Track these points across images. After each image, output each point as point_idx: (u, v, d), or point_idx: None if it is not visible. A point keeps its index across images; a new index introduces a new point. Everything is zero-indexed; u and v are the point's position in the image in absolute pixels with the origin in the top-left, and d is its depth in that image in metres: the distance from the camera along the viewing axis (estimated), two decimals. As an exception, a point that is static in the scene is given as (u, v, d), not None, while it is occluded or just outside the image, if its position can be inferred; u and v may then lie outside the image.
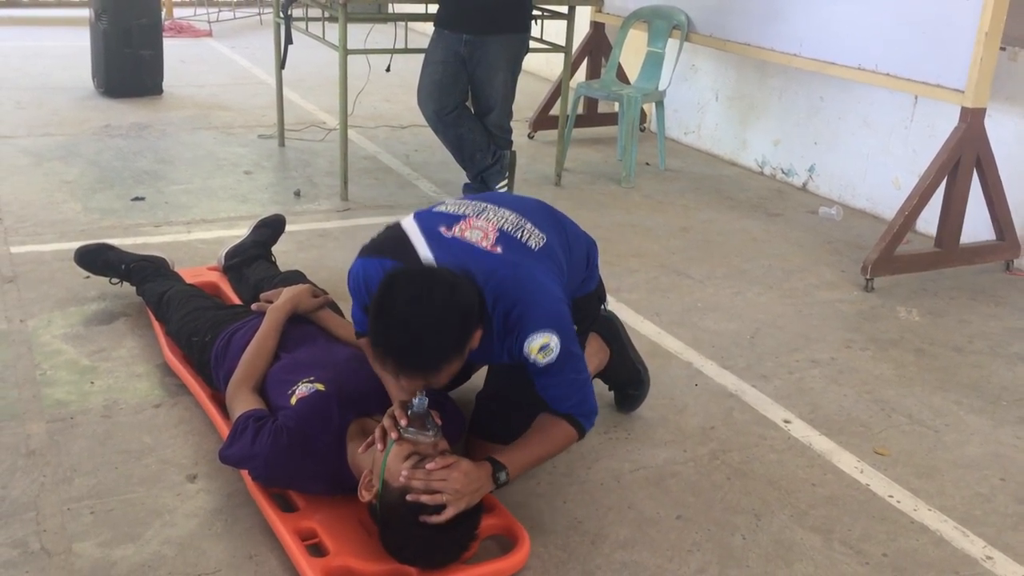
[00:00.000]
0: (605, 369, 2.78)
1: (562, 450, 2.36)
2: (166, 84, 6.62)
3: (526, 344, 2.17)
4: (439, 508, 2.00)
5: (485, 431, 2.47)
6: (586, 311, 2.57)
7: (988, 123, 3.94)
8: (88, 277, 3.41)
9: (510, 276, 2.19)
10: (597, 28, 6.05)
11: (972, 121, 3.86)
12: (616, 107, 5.49)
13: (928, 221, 4.29)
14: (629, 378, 2.81)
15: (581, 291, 2.52)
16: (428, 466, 2.02)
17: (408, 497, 2.00)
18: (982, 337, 3.53)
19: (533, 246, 2.29)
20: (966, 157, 3.92)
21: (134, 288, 3.25)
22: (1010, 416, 2.97)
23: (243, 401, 2.38)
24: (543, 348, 2.17)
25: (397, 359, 2.04)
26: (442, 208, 2.39)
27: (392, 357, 2.04)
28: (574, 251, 2.46)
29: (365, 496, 2.09)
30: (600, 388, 2.82)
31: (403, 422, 2.07)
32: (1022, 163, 4.21)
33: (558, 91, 5.50)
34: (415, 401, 2.07)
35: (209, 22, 9.67)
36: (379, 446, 2.09)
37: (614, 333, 2.81)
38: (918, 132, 4.63)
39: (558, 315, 2.22)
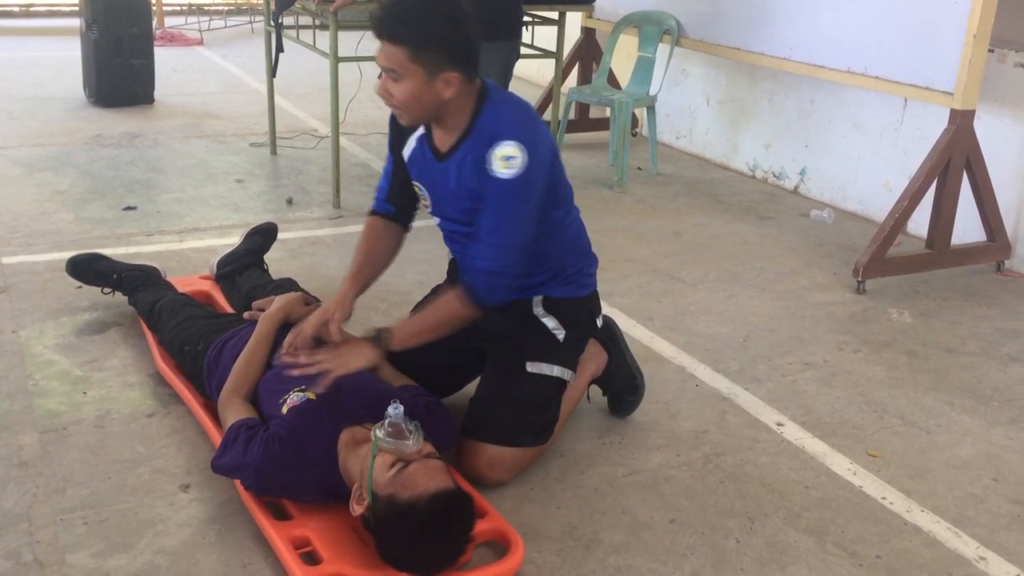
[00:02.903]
0: (602, 374, 2.78)
1: (454, 319, 2.36)
2: (157, 93, 6.62)
3: (495, 147, 2.20)
4: (420, 503, 1.97)
5: (479, 431, 2.46)
6: (576, 315, 2.57)
7: (977, 125, 3.96)
8: (80, 287, 3.41)
9: (520, 108, 2.32)
10: (588, 34, 6.07)
11: (961, 123, 3.87)
12: (608, 112, 5.50)
13: (919, 223, 4.30)
14: (625, 384, 2.81)
15: (567, 291, 2.53)
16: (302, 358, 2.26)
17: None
18: (974, 338, 3.54)
19: None
20: (956, 159, 3.93)
21: (126, 298, 3.25)
22: (1002, 416, 2.98)
23: (235, 410, 2.38)
24: (508, 158, 2.19)
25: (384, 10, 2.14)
26: None
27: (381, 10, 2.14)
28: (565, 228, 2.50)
29: (357, 510, 2.08)
30: (594, 393, 2.84)
31: (290, 356, 2.30)
32: (1012, 164, 4.23)
33: (549, 97, 5.51)
34: (391, 411, 2.08)
35: (200, 31, 9.67)
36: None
37: (612, 338, 2.82)
38: (908, 134, 4.65)
39: (538, 145, 2.24)
